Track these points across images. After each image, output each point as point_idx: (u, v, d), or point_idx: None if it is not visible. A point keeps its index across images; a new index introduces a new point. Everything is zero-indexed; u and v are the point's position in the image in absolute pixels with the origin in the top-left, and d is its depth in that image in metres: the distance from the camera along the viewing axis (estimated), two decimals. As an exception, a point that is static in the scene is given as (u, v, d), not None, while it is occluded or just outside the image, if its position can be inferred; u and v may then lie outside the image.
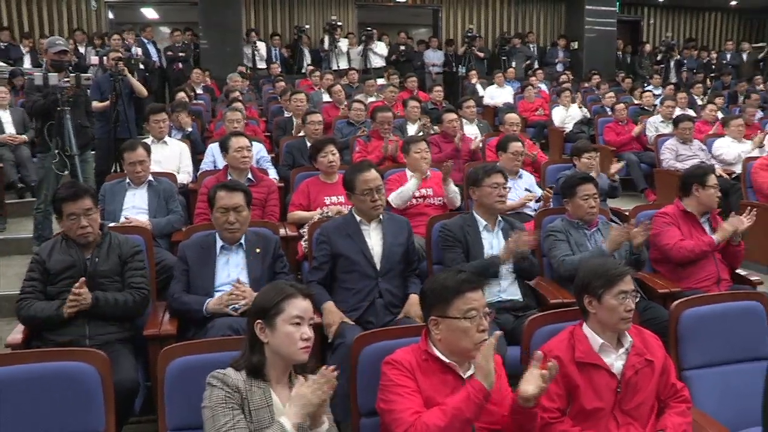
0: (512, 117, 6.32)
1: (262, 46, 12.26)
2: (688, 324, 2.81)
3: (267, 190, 4.56)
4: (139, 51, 10.49)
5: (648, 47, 14.65)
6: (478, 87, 11.19)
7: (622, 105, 8.33)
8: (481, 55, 13.04)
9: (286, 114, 7.70)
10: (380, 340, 2.49)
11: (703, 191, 3.87)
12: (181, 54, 11.46)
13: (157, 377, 2.38)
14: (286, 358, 2.06)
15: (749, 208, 3.85)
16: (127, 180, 4.44)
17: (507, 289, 3.47)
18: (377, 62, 12.29)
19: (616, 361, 2.40)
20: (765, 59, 13.16)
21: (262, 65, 12.16)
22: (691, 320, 2.82)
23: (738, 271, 3.94)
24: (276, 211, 4.54)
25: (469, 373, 2.21)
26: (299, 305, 2.08)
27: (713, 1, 16.07)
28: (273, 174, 5.47)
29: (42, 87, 5.05)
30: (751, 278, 3.89)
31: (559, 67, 13.40)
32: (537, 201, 4.83)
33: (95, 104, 6.00)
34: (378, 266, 3.31)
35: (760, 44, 14.47)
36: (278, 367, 2.07)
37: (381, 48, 12.51)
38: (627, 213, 4.49)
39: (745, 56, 14.40)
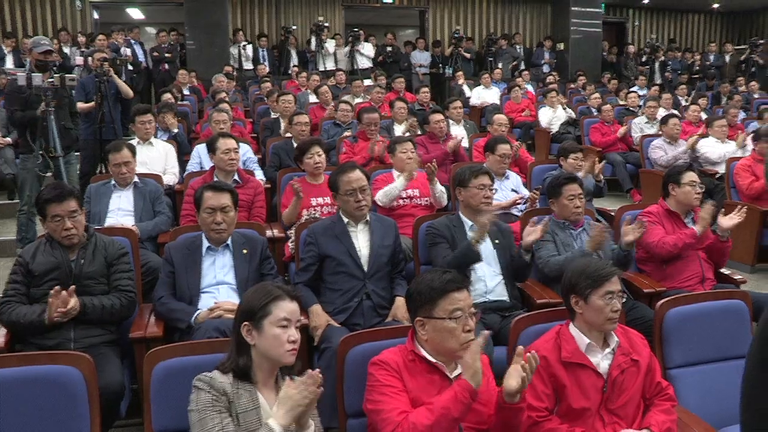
0: (500, 118, 6.34)
1: (248, 46, 12.23)
2: (673, 323, 2.83)
3: (254, 192, 4.55)
4: (128, 51, 10.45)
5: (633, 49, 14.75)
6: (465, 88, 11.22)
7: (608, 106, 8.39)
8: (468, 56, 13.08)
9: (273, 115, 7.69)
10: (367, 341, 2.48)
11: (680, 190, 3.91)
12: (167, 55, 11.42)
13: (143, 380, 2.36)
14: (273, 360, 2.05)
15: (739, 206, 3.88)
16: (113, 182, 4.41)
17: (494, 289, 3.47)
18: (364, 63, 12.30)
19: (602, 360, 2.41)
20: (747, 61, 13.30)
21: (248, 66, 12.13)
22: (675, 319, 2.84)
23: (722, 270, 3.97)
24: (263, 213, 4.53)
25: (456, 373, 2.22)
26: (287, 307, 2.07)
27: (696, 3, 16.20)
28: (260, 175, 5.46)
29: (25, 88, 5.01)
30: (735, 277, 3.93)
31: (546, 68, 13.47)
32: (524, 202, 4.85)
33: (80, 105, 5.96)
34: (365, 267, 3.31)
35: (742, 46, 14.62)
36: (265, 370, 2.06)
37: (368, 49, 12.52)
38: (613, 213, 4.51)
39: (727, 58, 14.53)
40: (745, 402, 0.93)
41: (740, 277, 3.97)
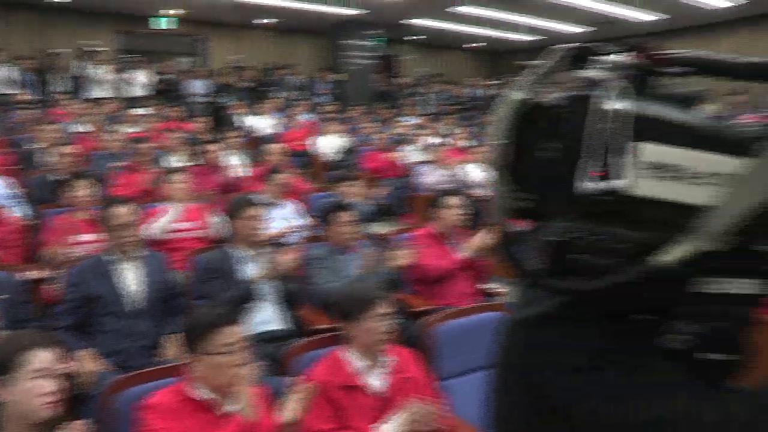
0: (276, 147, 6.42)
1: (8, 69, 11.15)
2: (442, 337, 3.02)
3: (9, 230, 4.16)
4: None
5: (404, 80, 15.69)
6: (243, 117, 11.15)
7: (381, 134, 8.82)
8: (247, 85, 13.06)
9: (36, 145, 7.09)
10: (138, 383, 2.36)
11: (443, 212, 4.19)
12: None
13: None
14: (29, 416, 1.88)
15: (489, 226, 4.25)
16: None
17: (269, 319, 3.47)
18: (139, 91, 11.80)
19: (376, 380, 2.51)
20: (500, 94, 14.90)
21: (8, 91, 11.05)
22: (444, 333, 3.03)
23: (486, 285, 4.31)
24: (18, 252, 4.15)
25: (230, 408, 2.19)
26: (42, 357, 1.92)
27: (460, 41, 17.71)
28: (18, 211, 4.99)
29: None
30: (498, 291, 4.28)
31: (324, 98, 13.83)
32: (299, 230, 4.92)
33: None
34: (135, 306, 3.16)
35: (497, 81, 16.33)
36: (19, 428, 1.89)
37: (143, 76, 12.03)
38: (386, 237, 4.72)
39: (486, 91, 16.02)
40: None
41: (502, 290, 4.33)
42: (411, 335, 3.49)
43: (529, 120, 0.83)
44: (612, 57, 0.83)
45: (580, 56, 0.85)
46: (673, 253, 0.75)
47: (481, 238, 4.13)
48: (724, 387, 0.84)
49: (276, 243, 4.41)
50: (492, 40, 17.18)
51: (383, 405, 2.46)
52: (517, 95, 0.84)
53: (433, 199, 4.32)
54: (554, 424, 0.86)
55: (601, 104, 0.77)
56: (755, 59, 0.84)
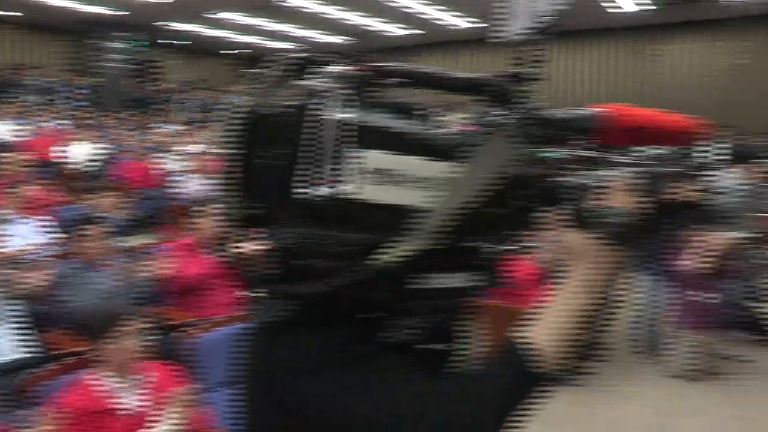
0: (16, 157, 5.92)
1: None
2: (202, 349, 2.99)
3: None
4: None
5: (165, 86, 15.15)
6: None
7: (139, 142, 8.45)
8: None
9: None
10: None
11: (199, 222, 4.15)
12: None
13: None
14: None
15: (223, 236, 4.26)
16: None
17: (8, 347, 3.20)
18: None
19: (132, 401, 2.43)
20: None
21: None
22: (204, 345, 3.00)
23: (246, 293, 4.31)
24: None
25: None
26: None
27: (222, 47, 17.52)
28: None
29: None
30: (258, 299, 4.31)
31: (74, 103, 12.93)
32: (43, 248, 4.57)
33: None
34: None
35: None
36: None
37: None
38: (142, 249, 4.55)
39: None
40: None
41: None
42: (169, 349, 3.41)
43: (257, 128, 0.84)
44: (333, 68, 0.86)
45: (304, 66, 0.87)
46: (392, 253, 0.81)
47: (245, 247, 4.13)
48: (446, 374, 0.92)
49: (14, 262, 4.07)
50: (258, 48, 17.20)
51: (137, 425, 2.38)
52: (245, 103, 0.85)
53: (189, 209, 4.23)
54: (294, 428, 0.88)
55: (320, 113, 0.80)
56: (461, 74, 0.92)
